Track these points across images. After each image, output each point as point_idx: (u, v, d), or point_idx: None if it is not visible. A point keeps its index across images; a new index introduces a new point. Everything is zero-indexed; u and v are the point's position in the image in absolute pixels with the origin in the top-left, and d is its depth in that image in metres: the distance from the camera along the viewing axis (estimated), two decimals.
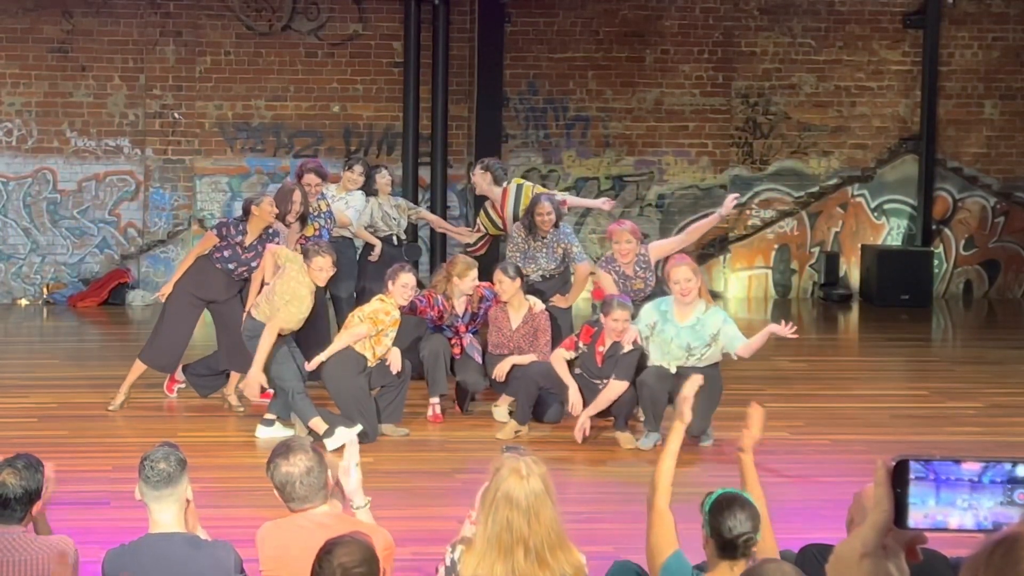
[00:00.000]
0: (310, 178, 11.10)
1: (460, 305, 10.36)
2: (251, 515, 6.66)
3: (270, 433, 9.56)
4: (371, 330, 9.69)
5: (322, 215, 11.13)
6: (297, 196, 10.72)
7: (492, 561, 4.41)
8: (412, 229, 14.55)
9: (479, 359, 10.36)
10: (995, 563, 2.04)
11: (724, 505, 4.53)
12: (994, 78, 17.33)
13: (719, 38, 16.88)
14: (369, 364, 9.76)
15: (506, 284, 10.29)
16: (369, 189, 11.94)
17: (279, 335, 9.65)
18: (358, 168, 11.91)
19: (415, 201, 14.76)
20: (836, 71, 17.11)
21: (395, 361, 9.78)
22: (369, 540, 4.27)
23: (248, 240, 10.42)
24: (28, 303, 16.06)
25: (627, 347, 9.65)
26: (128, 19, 16.00)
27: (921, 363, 13.64)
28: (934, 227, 17.35)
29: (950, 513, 2.18)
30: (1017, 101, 17.41)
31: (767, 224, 17.21)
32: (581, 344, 9.83)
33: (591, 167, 16.82)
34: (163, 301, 10.70)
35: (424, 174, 15.77)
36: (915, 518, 2.19)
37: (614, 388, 9.63)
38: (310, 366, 9.73)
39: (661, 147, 16.85)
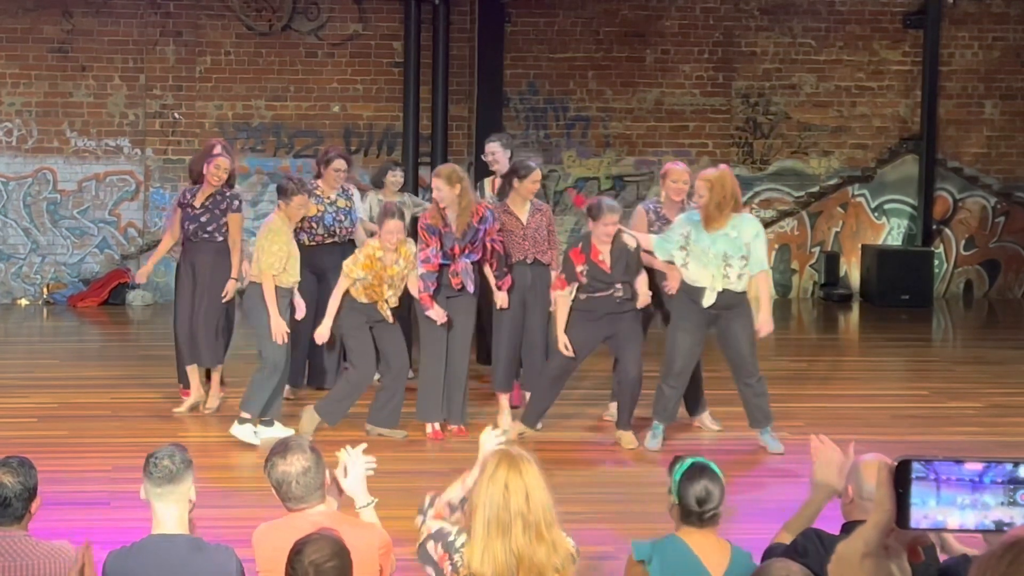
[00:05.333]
0: (339, 163, 11.04)
1: (454, 219, 9.83)
2: (251, 515, 6.66)
3: (270, 433, 9.56)
4: (366, 272, 9.66)
5: (330, 204, 11.00)
6: (218, 148, 10.54)
7: (493, 541, 4.43)
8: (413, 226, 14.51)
9: (471, 287, 9.91)
10: (1003, 567, 2.04)
11: (695, 475, 4.66)
12: (994, 78, 17.33)
13: (719, 38, 16.88)
14: (381, 312, 9.72)
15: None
16: (378, 182, 11.84)
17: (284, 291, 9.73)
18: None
19: None
20: (836, 71, 17.11)
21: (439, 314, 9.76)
22: (338, 535, 4.27)
23: (198, 201, 10.35)
24: (28, 303, 16.06)
25: (630, 245, 9.55)
26: (128, 19, 16.00)
27: (921, 363, 13.64)
28: (934, 227, 17.35)
29: (951, 513, 2.18)
30: (1017, 101, 17.40)
31: (767, 224, 17.19)
32: (578, 267, 9.56)
33: (591, 167, 16.82)
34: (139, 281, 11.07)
35: (424, 174, 15.74)
36: (916, 518, 2.19)
37: (642, 283, 9.56)
38: (319, 336, 9.74)
39: (661, 147, 16.84)
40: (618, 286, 9.57)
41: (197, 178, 10.53)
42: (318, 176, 11.12)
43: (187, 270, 10.50)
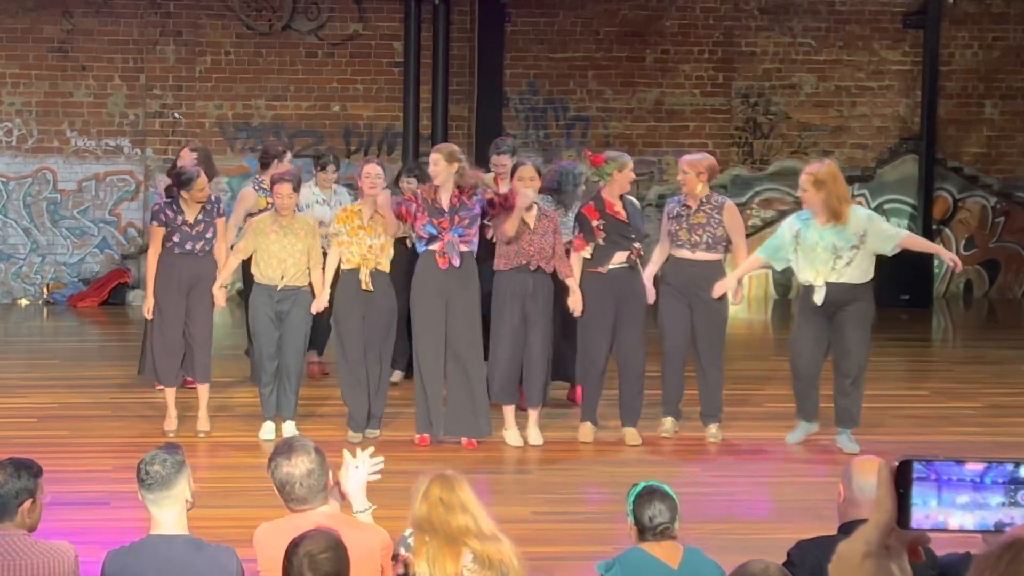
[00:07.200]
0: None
1: (445, 196, 9.56)
2: (251, 515, 6.66)
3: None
4: (341, 225, 9.58)
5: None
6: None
7: (444, 560, 4.58)
8: None
9: (457, 260, 9.53)
10: (1002, 566, 2.04)
11: (646, 497, 4.98)
12: (994, 78, 17.33)
13: (719, 38, 16.88)
14: (361, 280, 9.54)
15: (509, 165, 10.43)
16: (393, 187, 11.64)
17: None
18: (331, 167, 11.68)
19: None
20: (836, 71, 17.11)
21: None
22: (335, 532, 4.28)
23: (190, 217, 9.81)
24: (28, 303, 16.06)
25: (635, 202, 9.80)
26: (128, 19, 16.00)
27: (921, 363, 13.64)
28: (934, 227, 17.35)
29: (951, 514, 2.18)
30: (1017, 101, 17.40)
31: (767, 224, 17.19)
32: (594, 221, 9.57)
33: None
34: (149, 318, 9.95)
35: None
36: (917, 518, 2.19)
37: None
38: (316, 306, 9.58)
39: (661, 147, 16.84)
40: (637, 244, 9.61)
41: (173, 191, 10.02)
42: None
43: (178, 284, 9.80)
